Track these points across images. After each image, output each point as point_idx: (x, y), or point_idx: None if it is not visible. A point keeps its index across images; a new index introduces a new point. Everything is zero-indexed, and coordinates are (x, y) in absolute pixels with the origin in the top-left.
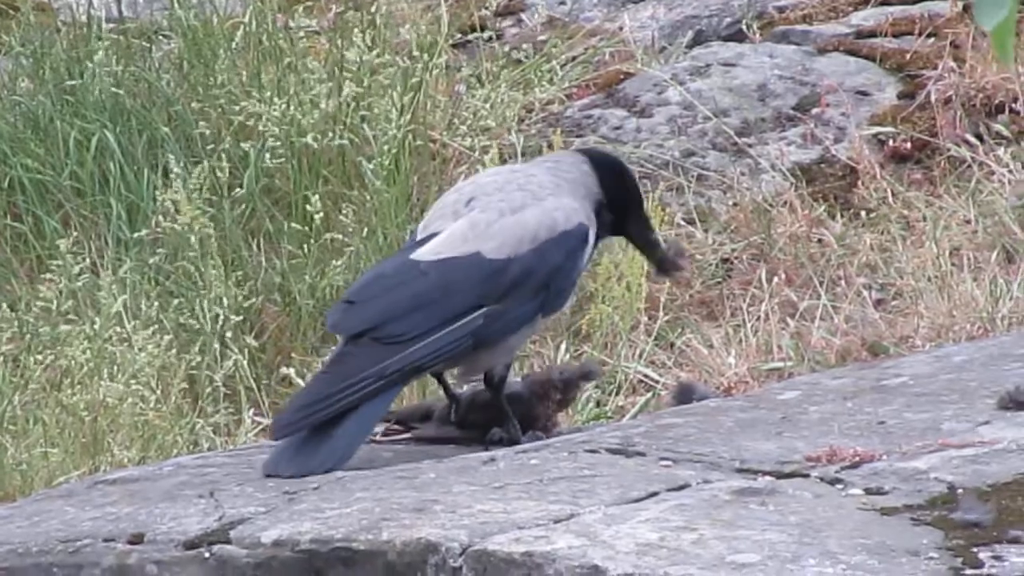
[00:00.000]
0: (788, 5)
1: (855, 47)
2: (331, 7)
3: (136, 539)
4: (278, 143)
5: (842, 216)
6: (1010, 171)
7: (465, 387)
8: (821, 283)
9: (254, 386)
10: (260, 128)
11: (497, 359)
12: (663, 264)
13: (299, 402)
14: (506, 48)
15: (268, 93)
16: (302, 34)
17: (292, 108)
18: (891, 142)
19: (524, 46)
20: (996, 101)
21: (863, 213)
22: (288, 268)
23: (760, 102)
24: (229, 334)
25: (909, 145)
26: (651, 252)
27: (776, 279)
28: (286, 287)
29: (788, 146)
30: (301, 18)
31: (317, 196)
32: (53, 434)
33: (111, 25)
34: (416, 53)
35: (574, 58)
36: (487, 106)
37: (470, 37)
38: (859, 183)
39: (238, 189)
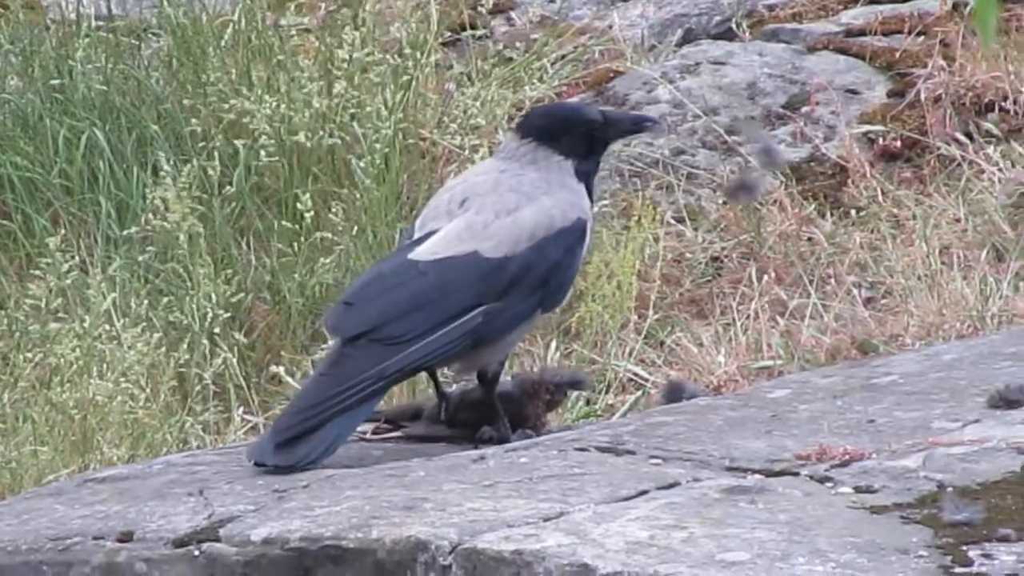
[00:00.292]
0: (778, 3)
1: (845, 45)
2: (321, 5)
3: (125, 537)
4: (268, 141)
5: (832, 214)
6: (1000, 170)
7: (455, 385)
8: (811, 281)
9: (243, 384)
10: (250, 126)
11: (496, 356)
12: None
13: (299, 405)
14: (497, 46)
15: (258, 91)
16: (292, 32)
17: (282, 106)
18: (881, 140)
19: (516, 44)
20: (986, 100)
21: (853, 211)
22: (278, 266)
23: (750, 100)
24: (218, 332)
25: (899, 144)
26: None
27: (766, 277)
28: (276, 285)
29: (778, 144)
30: (291, 16)
31: (307, 194)
32: (42, 432)
33: (100, 23)
34: (406, 51)
35: (564, 56)
36: (477, 104)
37: (460, 35)
38: (849, 181)
39: (228, 187)
